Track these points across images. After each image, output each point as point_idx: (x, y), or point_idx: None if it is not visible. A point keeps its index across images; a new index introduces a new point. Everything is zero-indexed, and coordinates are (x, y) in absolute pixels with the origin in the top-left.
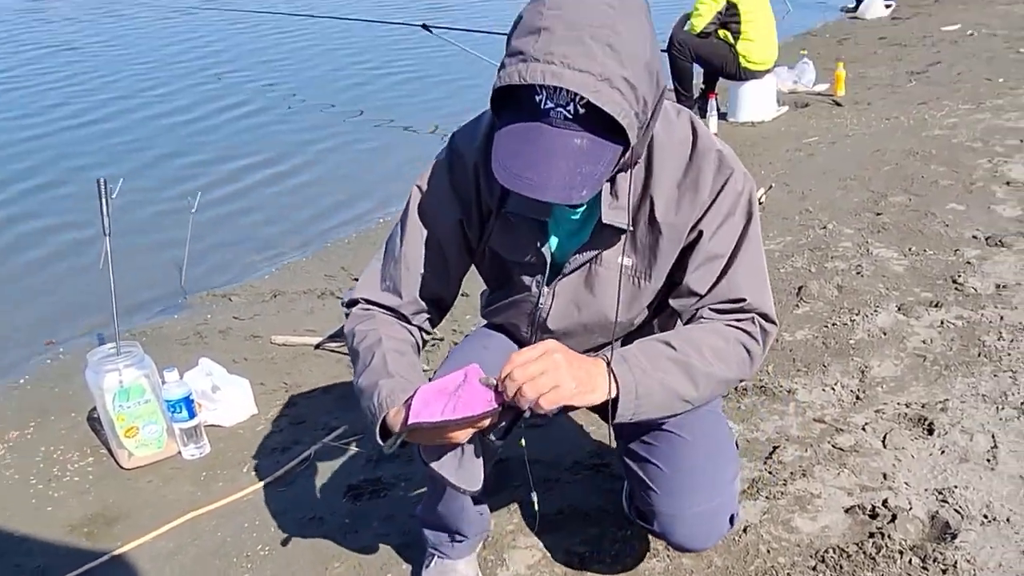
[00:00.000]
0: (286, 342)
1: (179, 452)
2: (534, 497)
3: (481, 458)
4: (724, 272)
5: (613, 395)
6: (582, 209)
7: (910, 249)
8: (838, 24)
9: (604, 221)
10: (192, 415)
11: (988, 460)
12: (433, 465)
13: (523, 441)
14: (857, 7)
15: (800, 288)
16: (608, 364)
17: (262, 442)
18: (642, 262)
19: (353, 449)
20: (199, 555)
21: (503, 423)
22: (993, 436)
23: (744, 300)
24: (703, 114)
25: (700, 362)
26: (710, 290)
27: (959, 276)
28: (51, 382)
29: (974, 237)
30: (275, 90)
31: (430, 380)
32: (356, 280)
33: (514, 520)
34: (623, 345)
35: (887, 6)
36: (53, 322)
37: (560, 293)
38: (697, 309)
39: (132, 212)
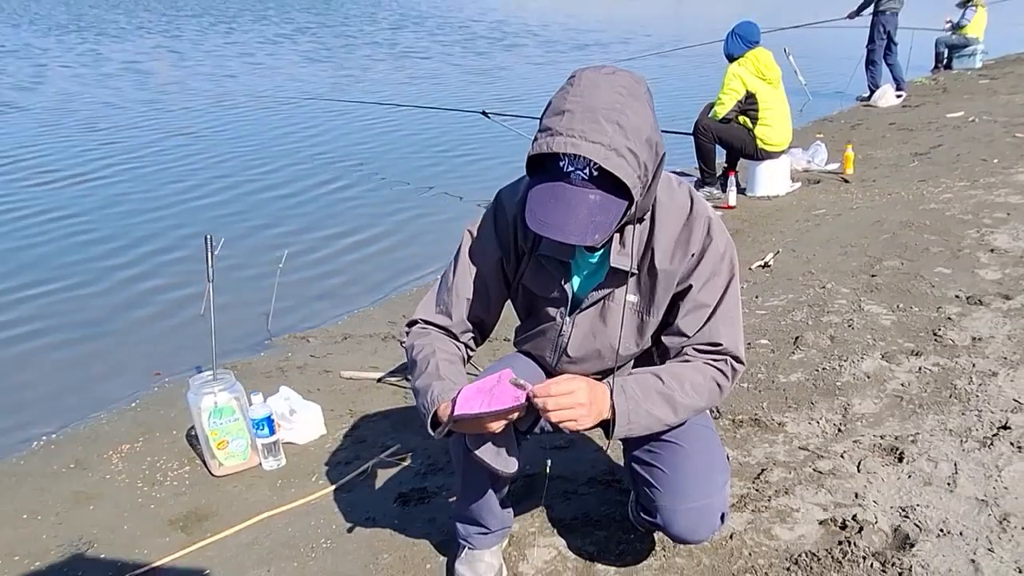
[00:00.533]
0: (353, 376)
1: (260, 463)
2: (548, 462)
3: (516, 449)
4: (708, 320)
5: (610, 418)
6: (599, 253)
7: (898, 306)
8: (852, 111)
9: (612, 265)
10: (272, 432)
11: (948, 484)
12: (477, 452)
13: (548, 463)
14: (871, 96)
15: (797, 338)
16: (611, 393)
17: (328, 457)
18: (644, 300)
19: (404, 464)
20: (272, 546)
21: (529, 419)
22: (955, 464)
23: (721, 345)
24: (724, 189)
25: (681, 396)
26: (695, 333)
27: (940, 329)
28: (157, 406)
29: (956, 296)
30: (359, 169)
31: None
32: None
33: (535, 524)
34: (634, 366)
35: (898, 95)
36: (160, 358)
37: (579, 323)
38: (683, 347)
39: (230, 269)
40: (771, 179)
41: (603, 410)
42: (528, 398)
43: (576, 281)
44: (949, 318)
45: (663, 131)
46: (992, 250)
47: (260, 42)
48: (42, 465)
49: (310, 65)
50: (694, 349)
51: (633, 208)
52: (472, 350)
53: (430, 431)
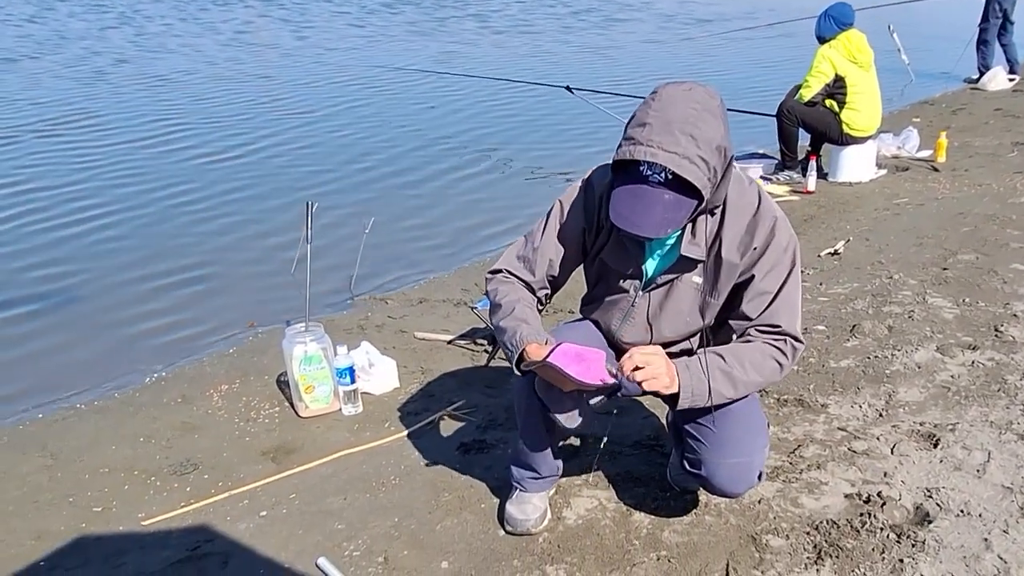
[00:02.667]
0: (425, 337)
1: (340, 408)
2: (604, 438)
3: (582, 408)
4: (769, 305)
5: (675, 391)
6: (673, 237)
7: (964, 300)
8: (957, 94)
9: (683, 253)
10: (353, 381)
11: (978, 471)
12: (546, 401)
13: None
14: (980, 78)
15: (854, 326)
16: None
17: (400, 407)
18: (708, 284)
19: (467, 419)
20: (349, 479)
21: (602, 397)
22: (989, 453)
23: (780, 327)
24: (804, 173)
25: (741, 373)
26: (757, 316)
27: (1002, 326)
28: (251, 353)
29: None
30: (445, 142)
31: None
32: (501, 255)
33: (582, 478)
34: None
35: (1011, 79)
36: (254, 310)
37: (649, 298)
38: (746, 328)
39: (321, 233)
40: (854, 165)
41: (671, 382)
42: (614, 382)
43: (651, 262)
44: (1015, 315)
45: (747, 112)
46: None
47: (364, 12)
48: (154, 398)
49: (411, 37)
50: (756, 330)
51: (703, 204)
52: (542, 304)
53: (514, 367)
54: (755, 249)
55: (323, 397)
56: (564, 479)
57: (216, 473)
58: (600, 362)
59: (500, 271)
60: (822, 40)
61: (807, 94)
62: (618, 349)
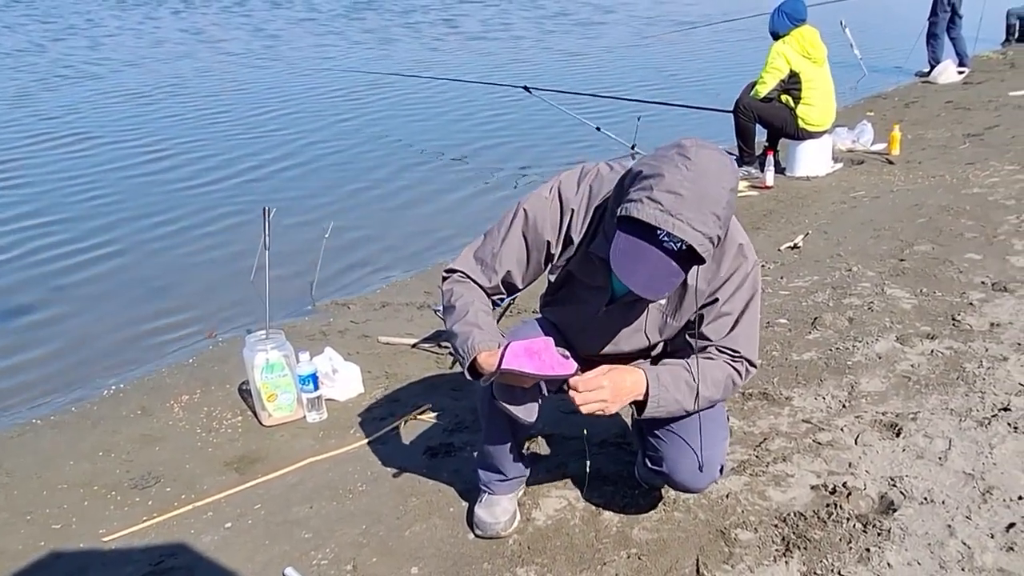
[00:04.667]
0: (389, 342)
1: (304, 416)
2: (587, 464)
3: (538, 401)
4: (731, 329)
5: (642, 399)
6: None
7: (921, 291)
8: (909, 88)
9: None
10: (316, 388)
11: (940, 458)
12: (502, 401)
13: (585, 431)
14: (930, 72)
15: (815, 319)
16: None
17: (365, 413)
18: (672, 306)
19: (433, 422)
20: (315, 487)
21: (557, 383)
22: (950, 441)
23: (739, 352)
24: (762, 168)
25: (703, 388)
26: (719, 339)
27: (959, 315)
28: (211, 362)
29: (982, 283)
30: (400, 142)
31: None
32: (458, 253)
33: (550, 478)
34: (645, 361)
35: (960, 71)
36: (213, 319)
37: (611, 313)
38: (707, 347)
39: (279, 238)
40: (811, 159)
41: (637, 392)
42: (573, 370)
43: (617, 280)
44: (971, 304)
45: (703, 108)
46: None
47: (327, 17)
48: (112, 410)
49: (374, 41)
50: (716, 349)
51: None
52: (496, 306)
53: (466, 373)
54: (720, 276)
55: (286, 405)
56: (533, 480)
57: (178, 486)
58: (551, 350)
59: (456, 271)
60: (776, 36)
61: (763, 90)
62: (572, 352)
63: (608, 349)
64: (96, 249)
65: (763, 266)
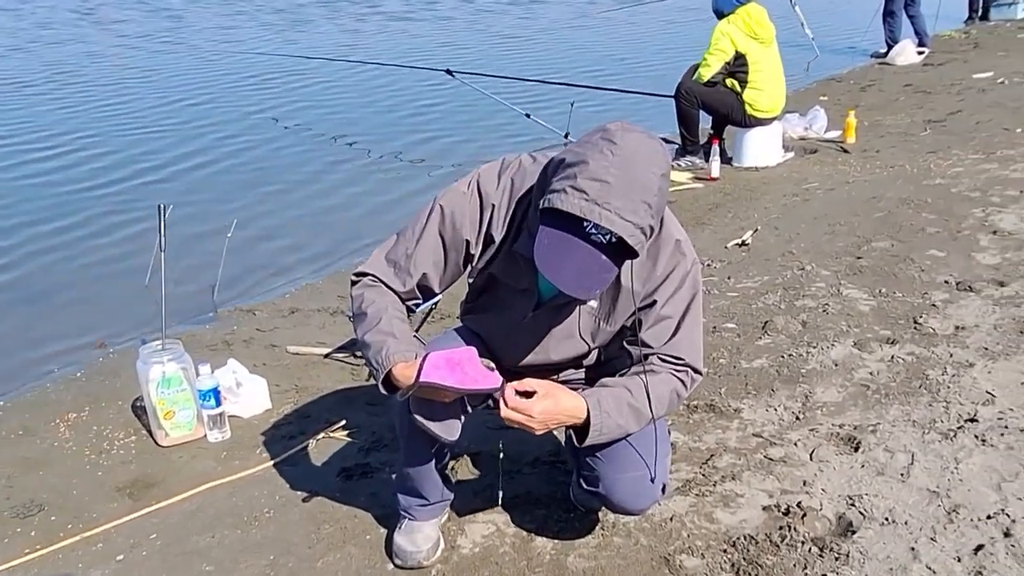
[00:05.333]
0: (299, 351)
1: (205, 435)
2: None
3: (460, 417)
4: (672, 335)
5: (580, 424)
6: None
7: (880, 291)
8: (865, 70)
9: None
10: (218, 404)
11: (902, 474)
12: (420, 417)
13: (501, 444)
14: (888, 52)
15: (766, 323)
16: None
17: (273, 431)
18: (605, 309)
19: (348, 440)
20: (217, 514)
21: (481, 397)
22: (912, 455)
23: (683, 359)
24: (707, 159)
25: (645, 408)
26: (660, 346)
27: (921, 317)
28: (102, 376)
29: (946, 282)
30: (313, 132)
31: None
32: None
33: (476, 501)
34: (586, 372)
35: (920, 52)
36: (104, 328)
37: (539, 318)
38: (648, 355)
39: (176, 238)
40: (760, 148)
41: (575, 418)
42: (498, 384)
43: (545, 282)
44: (934, 305)
45: (642, 93)
46: (995, 232)
47: None
48: None
49: (270, 17)
50: (658, 359)
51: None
52: (412, 312)
53: (381, 387)
54: (657, 275)
55: (185, 423)
56: (458, 504)
57: (65, 514)
58: (474, 362)
59: (366, 275)
60: (720, 15)
61: (706, 73)
62: (498, 364)
63: (536, 358)
64: None
65: (708, 265)
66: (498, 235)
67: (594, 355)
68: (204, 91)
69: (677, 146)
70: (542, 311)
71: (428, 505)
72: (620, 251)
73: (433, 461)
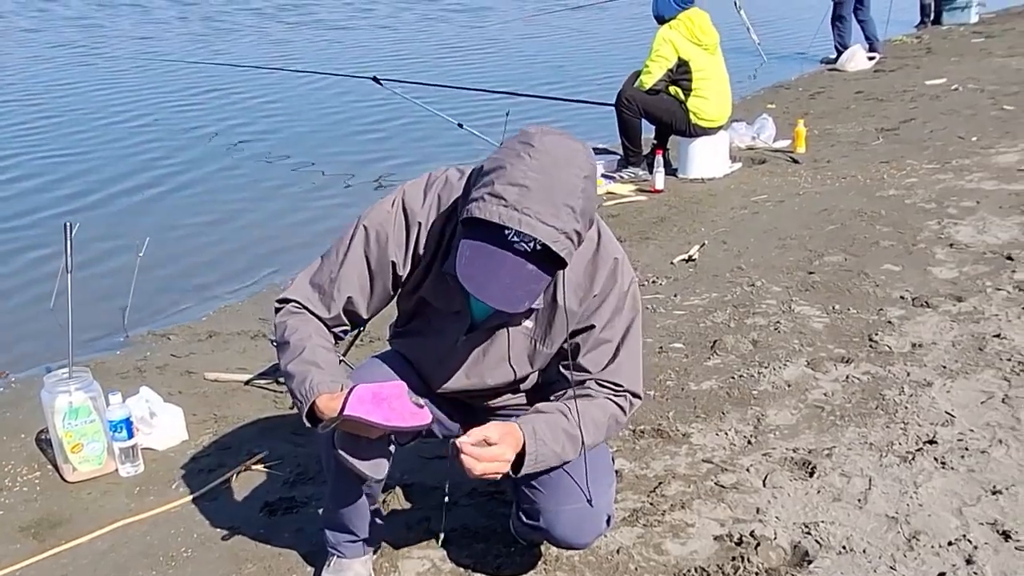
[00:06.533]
0: (218, 378)
1: (116, 469)
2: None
3: (388, 453)
4: (611, 360)
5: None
6: None
7: (834, 308)
8: (814, 76)
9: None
10: (130, 436)
11: (859, 500)
12: (344, 453)
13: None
14: (837, 58)
15: (715, 342)
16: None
17: (190, 464)
18: (541, 330)
19: (271, 472)
20: (130, 555)
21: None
22: (870, 480)
23: (622, 385)
24: (650, 170)
25: (583, 434)
26: (598, 371)
27: (876, 334)
28: (2, 407)
29: (901, 297)
30: (232, 143)
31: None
32: (292, 280)
33: (410, 536)
34: (516, 395)
35: (870, 57)
36: (3, 354)
37: (472, 341)
38: (585, 380)
39: (83, 258)
40: (706, 159)
41: (513, 454)
42: (426, 422)
43: (477, 303)
44: (889, 322)
45: (582, 101)
46: (951, 245)
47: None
48: None
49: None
50: (597, 384)
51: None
52: (338, 340)
53: (304, 420)
54: (595, 296)
55: (94, 456)
56: (390, 539)
57: None
58: (402, 397)
59: (289, 301)
60: (661, 20)
61: (648, 81)
62: (431, 392)
63: (471, 383)
64: None
65: (654, 282)
66: (426, 255)
67: (533, 378)
68: (117, 104)
69: (619, 157)
70: (475, 334)
71: (357, 541)
72: (547, 259)
73: (363, 496)
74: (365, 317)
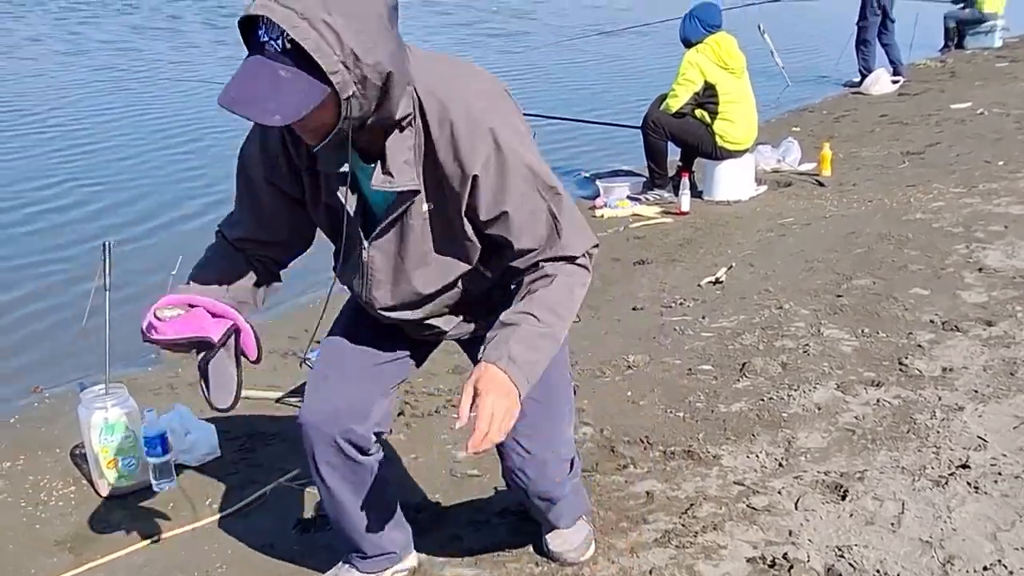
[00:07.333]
0: (249, 395)
1: (150, 484)
2: None
3: (229, 389)
4: (553, 234)
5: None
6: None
7: (863, 331)
8: (838, 100)
9: (374, 186)
10: (165, 452)
11: (892, 524)
12: (200, 378)
13: None
14: (862, 82)
15: (744, 364)
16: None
17: (223, 480)
18: (439, 204)
19: (305, 490)
20: (164, 569)
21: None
22: (903, 504)
23: (574, 255)
24: (676, 192)
25: (559, 324)
26: (543, 250)
27: (906, 358)
28: (37, 423)
29: (931, 321)
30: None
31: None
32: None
33: (442, 555)
34: (470, 303)
35: (894, 81)
36: (38, 372)
37: (380, 247)
38: (535, 261)
39: (118, 274)
40: (732, 181)
41: (510, 389)
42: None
43: (371, 200)
44: (919, 345)
45: (609, 124)
46: (980, 269)
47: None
48: None
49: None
50: (548, 262)
51: (346, 105)
52: (273, 270)
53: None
54: (472, 162)
55: (129, 472)
56: (422, 556)
57: (1, 572)
58: (201, 312)
59: (219, 231)
60: (688, 44)
61: (674, 104)
62: (387, 325)
63: (406, 298)
64: None
65: (681, 303)
66: (302, 162)
67: (477, 282)
68: (157, 127)
69: (645, 179)
70: (379, 238)
71: (367, 559)
72: (308, 63)
73: (361, 517)
74: (280, 239)
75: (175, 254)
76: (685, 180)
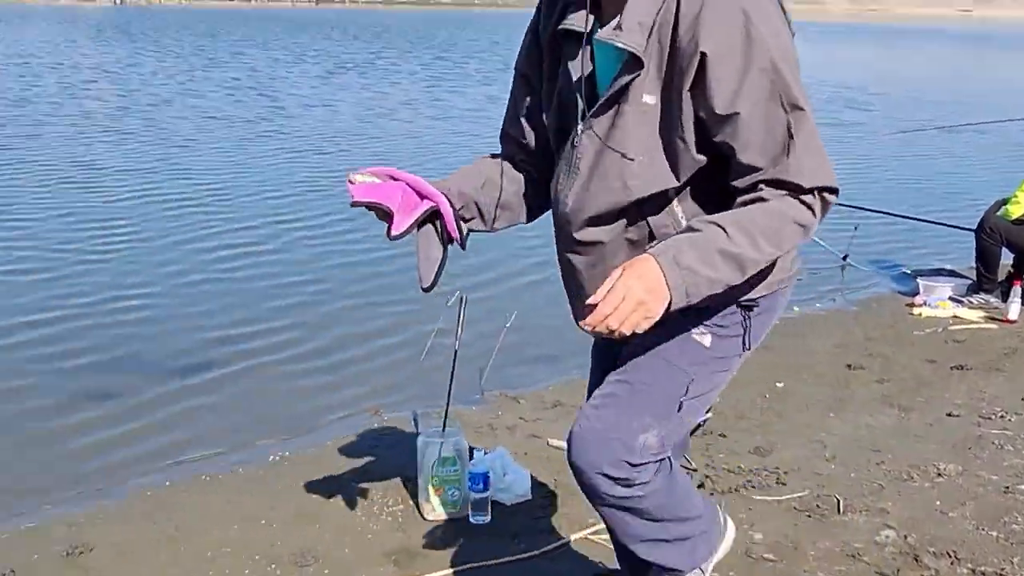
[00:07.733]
0: (560, 446)
1: (468, 516)
2: None
3: (435, 268)
4: (784, 147)
5: (668, 300)
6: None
7: None
8: None
9: (597, 37)
10: (486, 489)
11: None
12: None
13: None
14: None
15: None
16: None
17: (531, 523)
18: (664, 94)
19: (606, 545)
20: None
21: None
22: None
23: (803, 185)
24: (1005, 299)
25: (751, 251)
26: (769, 165)
27: None
28: (372, 440)
29: None
30: None
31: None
32: None
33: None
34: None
35: None
36: (379, 396)
37: (592, 132)
38: (756, 182)
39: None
40: None
41: (658, 291)
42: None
43: (599, 80)
44: None
45: (941, 224)
46: None
47: None
48: (274, 480)
49: None
50: (769, 186)
51: None
52: (533, 173)
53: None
54: (725, 52)
55: (452, 501)
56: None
57: (337, 570)
58: (381, 189)
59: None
60: None
61: (1016, 211)
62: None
63: (598, 205)
64: (274, 319)
65: (1002, 416)
66: (550, 29)
67: (687, 193)
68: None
69: (970, 282)
70: (592, 121)
71: None
72: None
73: None
74: (531, 137)
75: (512, 308)
76: (1017, 288)
